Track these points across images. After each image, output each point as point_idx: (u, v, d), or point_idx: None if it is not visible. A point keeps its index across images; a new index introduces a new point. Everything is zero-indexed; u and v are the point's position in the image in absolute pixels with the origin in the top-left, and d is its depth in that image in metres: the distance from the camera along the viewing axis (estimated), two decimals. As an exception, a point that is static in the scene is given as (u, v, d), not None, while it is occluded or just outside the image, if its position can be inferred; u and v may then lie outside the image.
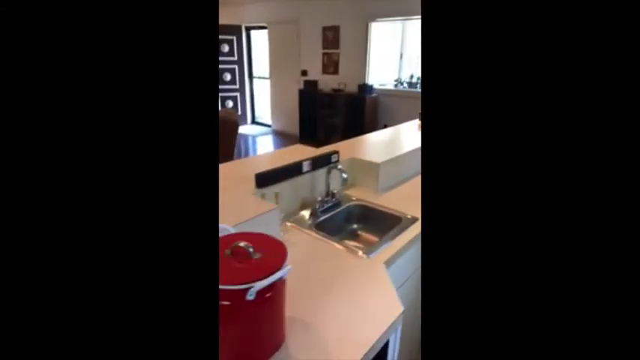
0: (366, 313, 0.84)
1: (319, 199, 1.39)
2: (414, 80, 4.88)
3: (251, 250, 0.69)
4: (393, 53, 5.10)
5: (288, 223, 1.28)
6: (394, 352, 0.91)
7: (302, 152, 1.58)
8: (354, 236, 1.44)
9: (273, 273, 0.65)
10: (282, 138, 6.25)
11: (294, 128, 6.14)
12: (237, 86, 6.82)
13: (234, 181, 1.25)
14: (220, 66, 6.46)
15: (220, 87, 6.60)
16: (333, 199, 1.43)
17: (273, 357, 0.71)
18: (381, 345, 0.79)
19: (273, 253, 0.71)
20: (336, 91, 5.37)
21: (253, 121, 7.31)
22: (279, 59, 6.29)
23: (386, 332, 0.80)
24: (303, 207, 1.40)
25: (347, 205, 1.46)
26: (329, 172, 1.41)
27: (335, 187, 1.49)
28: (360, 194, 1.55)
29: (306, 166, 1.37)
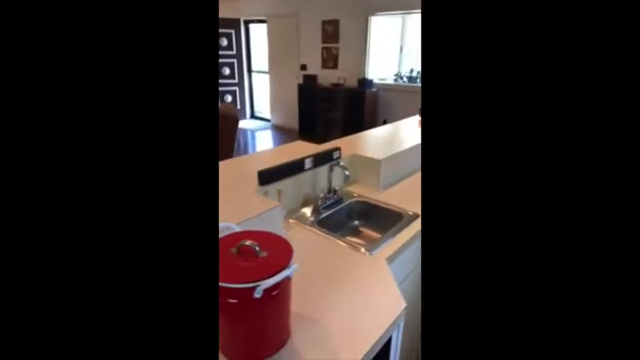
0: (370, 309, 0.86)
1: (321, 195, 1.40)
2: (414, 74, 4.87)
3: (257, 248, 0.70)
4: (393, 47, 5.08)
5: (291, 220, 1.29)
6: (396, 346, 0.93)
7: (303, 149, 1.58)
8: (355, 232, 1.46)
9: (279, 271, 0.66)
10: (282, 133, 6.24)
11: (294, 123, 6.14)
12: (236, 80, 6.79)
13: (236, 179, 1.26)
14: (219, 60, 6.43)
15: (219, 81, 6.57)
16: (335, 196, 1.44)
17: (279, 353, 0.73)
18: (384, 340, 0.81)
19: (278, 251, 0.72)
20: (335, 85, 5.35)
21: (252, 116, 7.29)
22: (278, 53, 6.26)
23: (389, 328, 0.81)
24: (305, 204, 1.41)
25: (348, 201, 1.47)
26: (331, 169, 1.42)
27: (337, 183, 1.50)
28: (362, 190, 1.56)
29: (308, 163, 1.38)
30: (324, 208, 1.37)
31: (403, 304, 0.87)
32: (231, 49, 6.57)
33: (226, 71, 6.61)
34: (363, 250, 1.11)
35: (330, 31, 5.36)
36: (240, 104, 6.98)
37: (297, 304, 0.82)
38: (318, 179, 1.46)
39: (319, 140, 1.72)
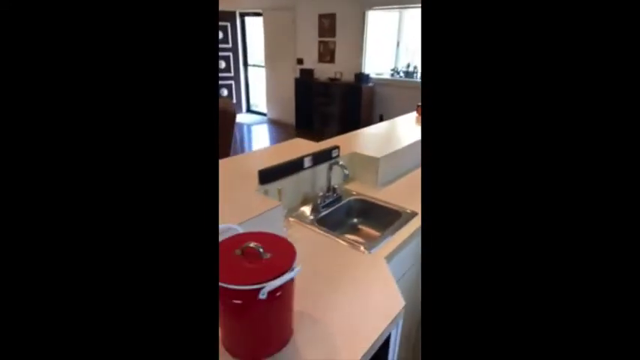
0: (370, 307, 0.88)
1: (320, 194, 1.41)
2: (411, 69, 4.87)
3: (261, 250, 0.71)
4: (390, 42, 5.07)
5: (291, 219, 1.31)
6: (395, 344, 0.95)
7: (301, 147, 1.59)
8: (354, 230, 1.48)
9: (283, 273, 0.67)
10: (278, 127, 6.23)
11: (290, 117, 6.13)
12: (232, 74, 6.75)
13: (236, 178, 1.27)
14: (215, 53, 6.37)
15: (215, 75, 6.52)
16: (334, 195, 1.46)
17: (282, 351, 0.75)
18: (384, 338, 0.83)
19: (282, 252, 0.73)
20: (332, 80, 5.34)
21: (248, 110, 7.26)
22: (274, 47, 6.22)
23: (389, 326, 0.84)
24: (304, 202, 1.43)
25: (347, 199, 1.49)
26: (330, 168, 1.43)
27: (336, 182, 1.51)
28: (360, 188, 1.58)
29: (307, 162, 1.39)
30: (323, 207, 1.39)
31: (402, 303, 0.90)
32: (227, 43, 6.52)
33: (222, 64, 6.56)
34: (362, 248, 1.13)
35: (327, 25, 5.34)
36: (236, 98, 6.94)
37: (298, 302, 0.83)
38: (317, 178, 1.48)
39: (316, 134, 1.73)
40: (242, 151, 4.97)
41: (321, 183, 1.49)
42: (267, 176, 1.25)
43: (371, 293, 0.93)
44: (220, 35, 6.40)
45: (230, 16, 6.41)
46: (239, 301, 0.67)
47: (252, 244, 0.72)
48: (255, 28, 6.60)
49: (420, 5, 4.55)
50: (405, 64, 4.97)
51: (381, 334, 0.81)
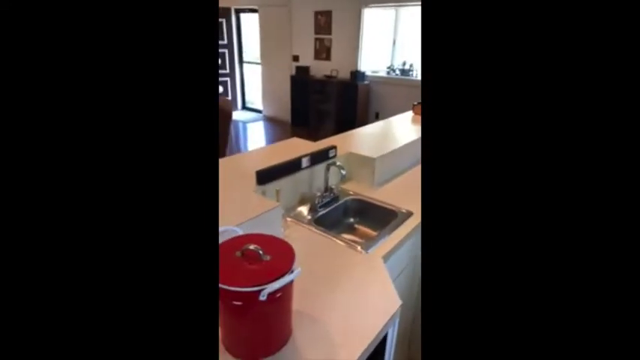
0: (367, 307, 0.90)
1: (318, 194, 1.43)
2: (407, 67, 4.88)
3: (261, 252, 0.73)
4: (386, 40, 5.08)
5: (288, 219, 1.32)
6: (392, 342, 0.97)
7: (298, 146, 1.60)
8: (351, 230, 1.49)
9: (283, 275, 0.69)
10: (274, 124, 6.22)
11: (286, 114, 6.12)
12: (227, 71, 6.72)
13: (234, 178, 1.28)
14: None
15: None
16: (331, 194, 1.47)
17: (281, 350, 0.76)
18: (381, 337, 0.85)
19: (281, 254, 0.75)
20: (328, 77, 5.34)
21: (244, 107, 7.24)
22: (270, 44, 6.20)
23: (386, 325, 0.85)
24: (302, 202, 1.44)
25: (344, 199, 1.50)
26: (328, 168, 1.44)
27: (333, 182, 1.53)
28: (357, 188, 1.59)
29: (305, 162, 1.41)
30: (320, 207, 1.40)
31: (399, 302, 0.91)
32: (222, 39, 6.48)
33: (217, 61, 6.53)
34: (359, 248, 1.14)
35: (323, 22, 5.33)
36: (232, 95, 6.92)
37: (296, 302, 0.85)
38: (314, 178, 1.49)
39: (312, 132, 1.74)
40: (238, 148, 4.97)
41: (319, 183, 1.50)
42: (265, 177, 1.26)
43: (368, 293, 0.95)
44: (216, 32, 6.36)
45: (225, 13, 6.37)
46: (239, 303, 0.69)
47: (252, 247, 0.73)
48: (250, 25, 6.57)
49: (416, 3, 4.56)
50: (400, 62, 4.98)
51: (379, 333, 0.83)
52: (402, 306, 0.92)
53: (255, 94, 7.06)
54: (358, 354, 0.76)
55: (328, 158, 1.51)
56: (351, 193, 1.54)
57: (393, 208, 1.42)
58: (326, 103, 5.37)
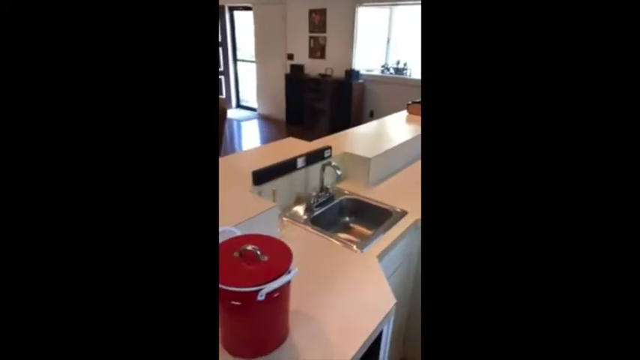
0: (362, 305, 0.92)
1: (314, 194, 1.44)
2: (401, 66, 4.91)
3: (258, 252, 0.74)
4: (380, 39, 5.10)
5: (285, 219, 1.33)
6: (387, 340, 1.00)
7: (293, 146, 1.62)
8: (347, 229, 1.51)
9: (281, 275, 0.70)
10: (269, 122, 6.21)
11: (281, 113, 6.12)
12: (222, 69, 6.69)
13: (230, 178, 1.29)
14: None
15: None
16: (327, 194, 1.49)
17: (279, 348, 0.78)
18: (376, 334, 0.87)
19: (279, 255, 0.76)
20: (322, 76, 5.35)
21: (238, 105, 7.22)
22: (264, 42, 6.18)
23: (381, 323, 0.87)
24: (297, 202, 1.45)
25: (340, 199, 1.52)
26: (323, 168, 1.46)
27: (328, 181, 1.54)
28: (352, 187, 1.61)
29: (300, 162, 1.42)
30: (316, 206, 1.42)
31: (393, 300, 0.93)
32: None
33: (211, 59, 6.49)
34: (354, 247, 1.16)
35: (317, 21, 5.33)
36: (226, 93, 6.90)
37: (293, 301, 0.86)
38: (310, 178, 1.50)
39: (307, 130, 1.75)
40: (232, 147, 4.96)
41: (314, 183, 1.52)
42: (261, 177, 1.27)
43: (363, 291, 0.97)
44: (209, 29, 6.32)
45: (219, 10, 6.34)
46: (238, 303, 0.70)
47: (249, 247, 0.74)
48: (244, 23, 6.54)
49: (410, 2, 4.58)
50: (395, 61, 5.00)
51: (374, 331, 0.85)
52: (396, 304, 0.94)
53: (249, 93, 7.05)
54: (354, 351, 0.78)
55: (323, 158, 1.52)
56: (347, 192, 1.56)
57: (388, 208, 1.44)
58: (321, 101, 5.38)
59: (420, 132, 2.07)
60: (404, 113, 2.55)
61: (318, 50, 5.48)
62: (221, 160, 1.49)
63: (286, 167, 1.37)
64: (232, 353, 0.76)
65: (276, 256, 0.75)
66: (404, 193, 1.57)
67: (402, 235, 1.28)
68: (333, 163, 1.46)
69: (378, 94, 5.10)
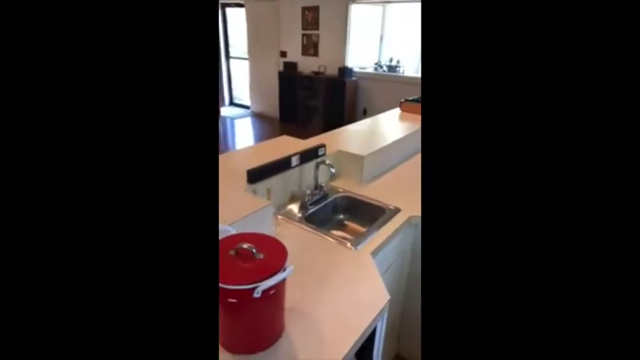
0: (357, 302, 0.93)
1: (308, 192, 1.45)
2: (394, 64, 4.92)
3: (254, 250, 0.75)
4: (373, 36, 5.11)
5: (279, 217, 1.34)
6: (381, 335, 1.01)
7: (287, 144, 1.62)
8: (341, 226, 1.52)
9: (276, 273, 0.71)
10: (262, 120, 6.20)
11: (274, 110, 6.10)
12: (214, 66, 6.64)
13: (225, 178, 1.29)
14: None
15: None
16: (321, 192, 1.50)
17: (275, 345, 0.79)
18: (370, 330, 0.89)
19: (274, 253, 0.77)
20: (316, 73, 5.35)
21: (231, 103, 7.18)
22: (257, 39, 6.15)
23: (375, 319, 0.89)
24: (292, 200, 1.46)
25: (334, 197, 1.53)
26: (317, 167, 1.47)
27: (323, 180, 1.55)
28: (346, 185, 1.62)
29: (294, 161, 1.43)
30: (310, 204, 1.43)
31: (387, 297, 0.95)
32: (209, 34, 6.40)
33: (204, 56, 6.44)
34: (349, 244, 1.17)
35: (310, 18, 5.32)
36: (219, 91, 6.86)
37: (288, 298, 0.88)
38: (304, 176, 1.51)
39: (300, 128, 1.76)
40: (226, 146, 4.94)
41: (308, 181, 1.53)
42: (256, 176, 1.27)
43: (358, 288, 0.98)
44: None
45: (211, 7, 6.29)
46: (234, 300, 0.71)
47: (245, 245, 0.75)
48: (237, 20, 6.50)
49: (403, 0, 4.59)
50: (388, 59, 5.02)
51: (368, 327, 0.86)
52: (390, 300, 0.96)
53: (242, 90, 7.01)
54: (348, 347, 0.79)
55: (318, 156, 1.53)
56: (341, 190, 1.57)
57: (381, 205, 1.46)
58: (314, 99, 5.38)
59: (412, 130, 2.09)
60: (397, 111, 2.57)
61: (311, 48, 5.48)
62: (215, 159, 1.49)
63: (280, 166, 1.38)
64: (229, 350, 0.77)
65: (271, 254, 0.76)
66: (397, 191, 1.59)
67: (395, 232, 1.29)
68: (327, 162, 1.47)
69: (371, 91, 5.11)
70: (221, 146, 4.78)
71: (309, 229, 1.27)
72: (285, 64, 5.69)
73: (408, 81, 4.72)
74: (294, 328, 0.84)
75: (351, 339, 0.82)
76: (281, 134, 1.85)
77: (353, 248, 1.16)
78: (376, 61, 5.15)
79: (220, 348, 0.77)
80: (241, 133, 5.63)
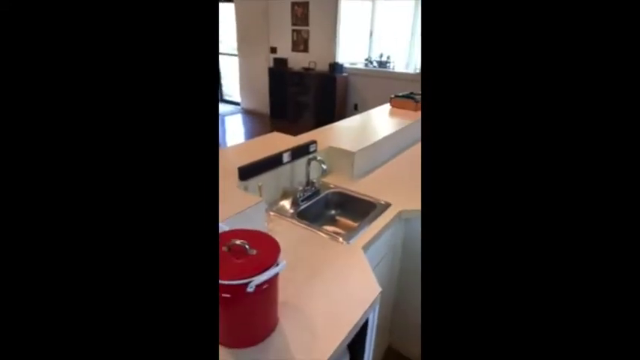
0: (349, 295, 0.95)
1: (300, 188, 1.46)
2: (384, 59, 4.94)
3: (247, 246, 0.76)
4: (363, 32, 5.11)
5: (272, 213, 1.35)
6: (372, 327, 1.03)
7: (278, 141, 1.63)
8: (332, 221, 1.54)
9: (269, 268, 0.73)
10: (253, 117, 6.17)
11: (264, 107, 6.08)
12: (204, 62, 6.57)
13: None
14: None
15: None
16: (313, 188, 1.51)
17: (269, 338, 0.81)
18: (362, 322, 0.91)
19: (267, 248, 0.78)
20: (306, 69, 5.34)
21: (221, 99, 7.13)
22: (247, 35, 6.11)
23: (366, 311, 0.91)
24: (284, 196, 1.47)
25: (325, 192, 1.54)
26: (309, 163, 1.48)
27: (314, 176, 1.56)
28: (337, 181, 1.64)
29: (286, 157, 1.44)
30: (302, 200, 1.44)
31: (378, 289, 0.97)
32: (198, 30, 6.33)
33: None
34: (340, 239, 1.19)
35: (300, 14, 5.29)
36: (209, 87, 6.79)
37: (281, 293, 0.89)
38: (295, 172, 1.52)
39: (291, 124, 1.76)
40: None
41: (300, 177, 1.54)
42: (247, 172, 1.28)
43: (350, 282, 1.00)
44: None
45: (200, 3, 6.21)
46: (228, 295, 0.72)
47: (238, 242, 0.76)
48: (226, 16, 6.44)
49: (392, -4, 4.60)
50: (378, 54, 5.03)
51: (360, 319, 0.88)
52: (381, 293, 0.98)
53: (232, 87, 6.97)
54: (341, 338, 0.81)
55: (309, 153, 1.54)
56: (332, 186, 1.59)
57: (372, 200, 1.48)
58: (304, 95, 5.37)
59: (402, 125, 2.11)
60: (387, 107, 2.59)
61: (301, 43, 5.46)
62: (206, 156, 1.49)
63: (272, 162, 1.38)
64: (224, 344, 0.78)
65: (264, 250, 0.77)
66: (388, 186, 1.61)
67: (386, 227, 1.31)
68: (319, 158, 1.48)
69: (361, 87, 5.13)
70: (212, 143, 4.74)
71: (301, 224, 1.28)
72: (275, 60, 5.67)
73: (398, 77, 4.75)
74: (287, 322, 0.85)
75: (343, 330, 0.83)
76: (272, 131, 1.85)
77: (345, 243, 1.18)
78: (366, 56, 5.16)
79: (215, 343, 0.78)
80: (232, 130, 5.61)
